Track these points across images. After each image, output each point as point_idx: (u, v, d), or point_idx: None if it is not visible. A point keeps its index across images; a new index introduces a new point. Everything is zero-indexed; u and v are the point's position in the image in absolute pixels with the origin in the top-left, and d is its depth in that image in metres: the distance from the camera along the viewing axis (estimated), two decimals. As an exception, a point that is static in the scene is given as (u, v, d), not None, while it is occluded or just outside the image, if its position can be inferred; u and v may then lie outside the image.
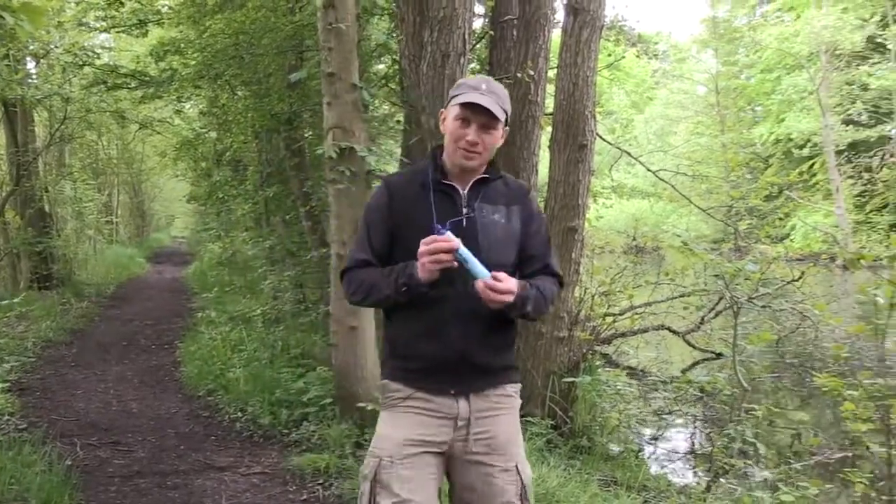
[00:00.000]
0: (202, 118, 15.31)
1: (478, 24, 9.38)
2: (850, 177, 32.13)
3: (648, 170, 13.03)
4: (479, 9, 9.05)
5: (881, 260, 5.27)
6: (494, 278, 2.41)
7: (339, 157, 5.93)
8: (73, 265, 17.59)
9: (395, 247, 2.62)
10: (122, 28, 12.71)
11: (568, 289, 6.74)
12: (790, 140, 35.02)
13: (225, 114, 12.17)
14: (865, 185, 31.61)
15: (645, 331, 10.26)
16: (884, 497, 4.49)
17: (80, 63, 13.56)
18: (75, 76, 14.70)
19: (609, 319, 8.67)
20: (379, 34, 8.83)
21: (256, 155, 12.80)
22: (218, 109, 12.64)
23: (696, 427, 8.00)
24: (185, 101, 14.17)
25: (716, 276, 7.93)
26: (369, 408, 5.80)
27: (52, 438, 6.07)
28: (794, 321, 10.61)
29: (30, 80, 15.71)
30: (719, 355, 10.31)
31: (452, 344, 2.55)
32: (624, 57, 24.92)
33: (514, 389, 2.72)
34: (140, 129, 20.62)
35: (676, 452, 7.30)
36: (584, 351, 6.99)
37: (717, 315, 10.25)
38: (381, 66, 10.67)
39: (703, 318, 10.45)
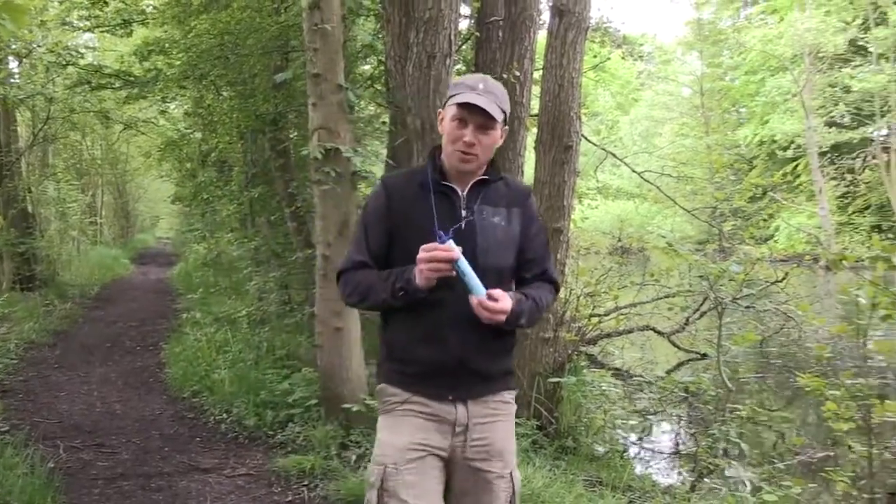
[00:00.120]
0: (187, 119, 15.25)
1: (464, 25, 9.38)
2: (833, 178, 32.38)
3: (633, 171, 13.08)
4: (464, 10, 9.05)
5: (863, 261, 5.29)
6: (490, 297, 2.37)
7: (325, 157, 5.92)
8: (56, 266, 17.46)
9: (392, 248, 2.59)
10: (107, 28, 12.64)
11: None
12: (774, 142, 35.22)
13: (210, 114, 12.13)
14: (848, 186, 31.89)
15: (630, 331, 10.29)
16: (865, 495, 4.52)
17: (64, 63, 13.50)
18: (59, 76, 14.64)
19: (594, 320, 8.69)
20: (365, 35, 8.83)
21: (241, 156, 12.75)
22: (203, 110, 12.59)
23: (680, 427, 8.03)
24: (170, 101, 14.10)
25: (700, 276, 7.97)
26: (354, 409, 5.80)
27: (35, 441, 6.02)
28: (778, 322, 10.68)
29: (12, 80, 15.61)
30: (704, 356, 10.35)
31: (451, 349, 2.51)
32: (609, 58, 25.03)
33: (511, 396, 2.70)
34: (124, 129, 20.55)
35: (661, 453, 7.32)
36: (570, 352, 7.00)
37: (701, 316, 10.29)
38: (367, 67, 10.67)
39: (687, 319, 10.49)
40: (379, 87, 9.88)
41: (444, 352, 2.51)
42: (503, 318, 2.40)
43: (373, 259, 2.60)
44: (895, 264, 3.86)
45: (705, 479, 6.08)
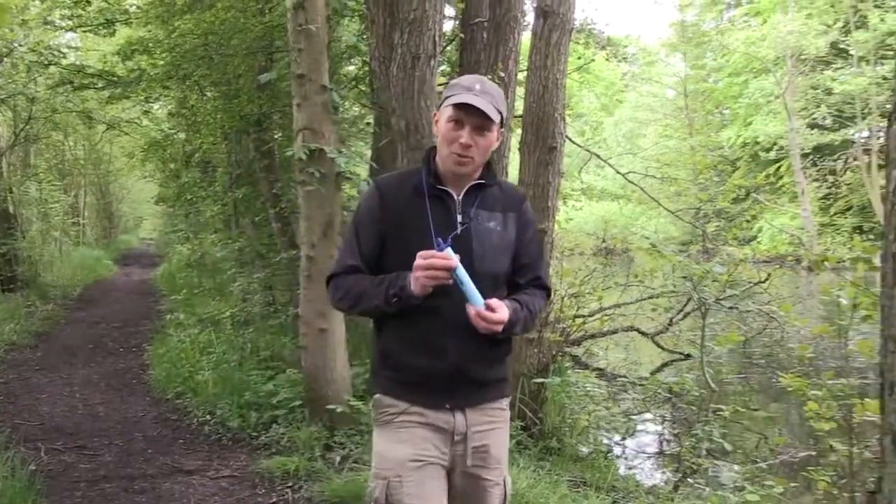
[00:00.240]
0: (171, 119, 15.21)
1: (448, 26, 9.40)
2: (815, 180, 32.58)
3: (618, 172, 13.16)
4: (449, 11, 9.05)
5: (844, 262, 5.33)
6: (488, 307, 2.34)
7: (309, 158, 5.91)
8: (38, 267, 17.36)
9: (385, 253, 2.53)
10: (89, 27, 12.60)
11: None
12: (757, 143, 35.40)
13: (194, 115, 12.10)
14: (830, 188, 32.08)
15: (614, 332, 10.34)
16: (845, 494, 4.55)
17: (46, 62, 13.42)
18: (40, 75, 14.56)
19: (579, 321, 8.72)
20: (349, 36, 8.83)
21: (226, 156, 12.72)
22: (187, 110, 12.56)
23: (664, 428, 8.06)
24: (154, 101, 14.06)
25: (684, 277, 7.98)
26: (339, 410, 5.80)
27: (16, 443, 5.99)
28: (761, 322, 10.76)
29: (-6, 80, 15.51)
30: (687, 356, 10.40)
31: (448, 358, 2.46)
32: (593, 60, 25.09)
33: (506, 402, 2.67)
34: (107, 129, 20.46)
35: (645, 453, 7.34)
36: (554, 352, 7.01)
37: (685, 316, 10.36)
38: (352, 68, 10.66)
39: (671, 320, 10.56)
40: (363, 88, 9.87)
41: (441, 360, 2.46)
42: (500, 328, 2.38)
43: (365, 263, 2.54)
44: (876, 265, 3.88)
45: (689, 479, 6.10)
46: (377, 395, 2.59)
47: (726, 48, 38.72)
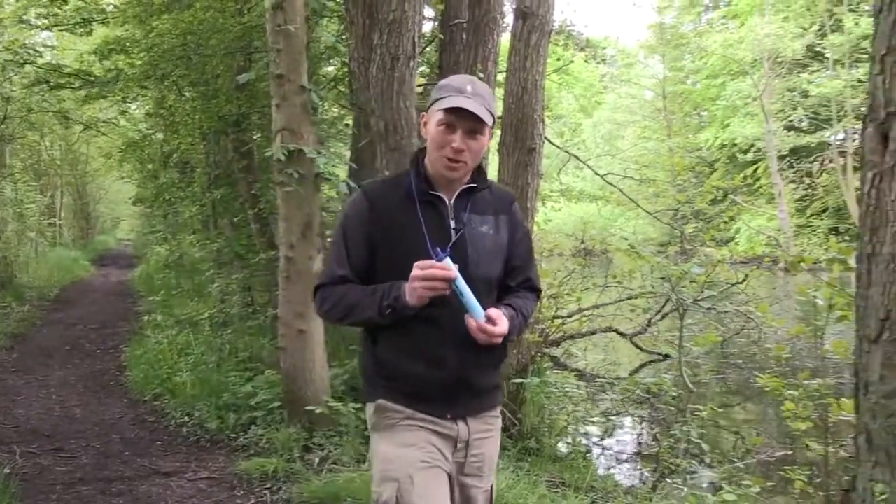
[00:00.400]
0: (148, 119, 15.15)
1: (427, 27, 9.41)
2: (792, 181, 32.85)
3: (596, 173, 13.20)
4: (428, 12, 9.07)
5: (820, 263, 5.38)
6: (489, 319, 2.30)
7: (288, 159, 5.90)
8: (13, 268, 17.21)
9: (376, 262, 2.45)
10: (65, 26, 12.53)
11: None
12: (735, 145, 35.63)
13: (172, 115, 12.05)
14: (806, 189, 32.36)
15: (593, 333, 10.38)
16: (821, 493, 4.59)
17: (21, 61, 13.33)
18: (16, 74, 14.45)
19: (557, 322, 8.74)
20: (328, 36, 8.81)
21: (204, 157, 12.68)
22: (165, 110, 12.51)
23: (642, 428, 8.10)
24: (131, 101, 14.00)
25: (662, 278, 8.03)
26: (318, 411, 5.79)
27: (-8, 445, 5.95)
28: (739, 323, 10.83)
29: (-33, 79, 15.38)
30: (666, 357, 10.46)
31: (449, 368, 2.41)
32: (573, 61, 25.19)
33: (499, 409, 2.65)
34: (84, 129, 20.34)
35: (624, 453, 7.37)
36: (533, 353, 7.03)
37: (663, 317, 10.41)
38: (331, 69, 10.65)
39: (649, 321, 10.61)
40: (342, 89, 9.88)
41: (441, 370, 2.41)
42: (500, 340, 2.35)
43: (354, 274, 2.46)
44: (851, 266, 3.92)
45: (667, 480, 6.13)
46: (380, 401, 2.49)
47: (704, 50, 38.96)
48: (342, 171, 7.63)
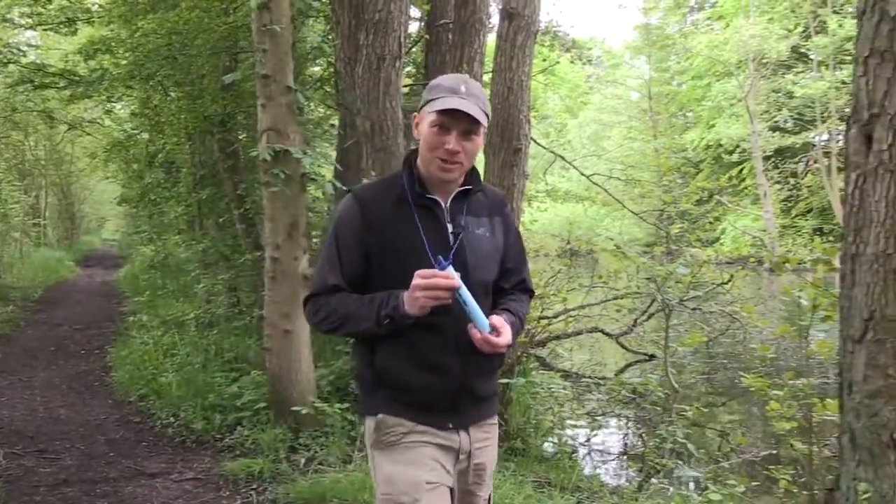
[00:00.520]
0: (134, 119, 15.08)
1: (413, 27, 9.41)
2: (777, 182, 33.03)
3: (582, 174, 13.22)
4: (414, 12, 9.07)
5: (805, 263, 5.41)
6: (493, 328, 2.23)
7: (274, 159, 5.89)
8: (-3, 268, 17.14)
9: (372, 270, 2.36)
10: (50, 25, 12.46)
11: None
12: (720, 146, 35.81)
13: (157, 115, 11.99)
14: (791, 190, 32.55)
15: (579, 333, 10.39)
16: (805, 492, 4.61)
17: (5, 60, 13.25)
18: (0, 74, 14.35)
19: (543, 322, 8.74)
20: (314, 36, 8.81)
21: (189, 157, 12.65)
22: (150, 110, 12.45)
23: (628, 428, 8.12)
24: (116, 101, 13.94)
25: (648, 279, 8.06)
26: (304, 411, 5.78)
27: (-24, 447, 5.91)
28: (724, 323, 10.87)
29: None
30: (651, 357, 10.48)
31: (453, 376, 2.34)
32: (558, 62, 25.20)
33: (496, 416, 2.59)
34: (69, 129, 20.25)
35: (609, 453, 7.39)
36: (519, 354, 7.03)
37: (649, 317, 10.44)
38: (317, 69, 10.64)
39: (635, 321, 10.64)
40: (328, 89, 9.87)
41: (444, 378, 2.34)
42: (504, 350, 2.30)
43: (348, 283, 2.36)
44: (835, 267, 3.95)
45: (653, 480, 6.15)
46: (381, 416, 2.38)
47: (690, 51, 39.14)
48: (328, 172, 7.61)
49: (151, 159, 14.42)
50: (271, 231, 6.08)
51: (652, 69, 44.57)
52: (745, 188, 34.97)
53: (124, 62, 10.91)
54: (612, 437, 7.92)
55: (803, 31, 32.38)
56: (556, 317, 9.85)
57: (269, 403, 6.24)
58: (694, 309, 9.29)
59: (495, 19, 8.24)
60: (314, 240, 7.92)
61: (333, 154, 9.28)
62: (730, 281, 9.87)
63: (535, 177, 19.92)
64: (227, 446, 6.04)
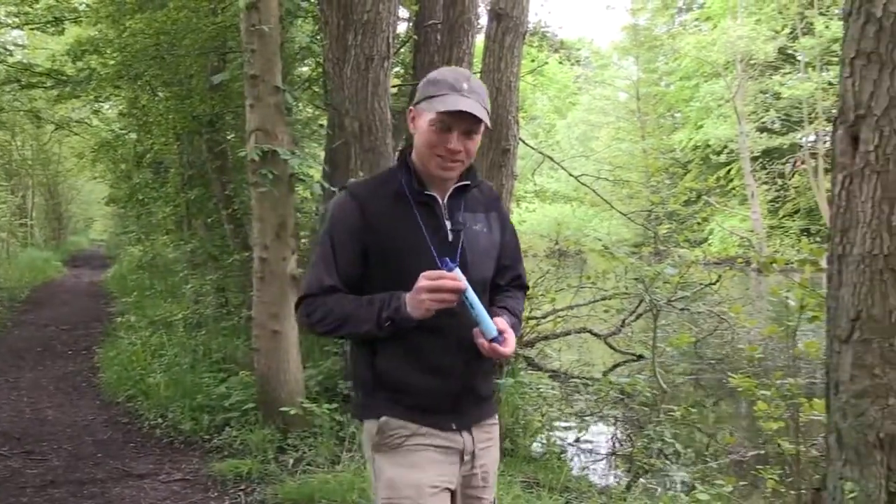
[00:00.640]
0: (122, 119, 15.03)
1: (402, 28, 9.41)
2: (765, 183, 33.15)
3: (570, 174, 13.23)
4: (403, 13, 9.07)
5: (792, 264, 5.44)
6: (500, 333, 2.18)
7: (262, 159, 5.88)
8: (-16, 269, 17.05)
9: (371, 269, 2.28)
10: (37, 25, 12.40)
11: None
12: (708, 146, 35.91)
13: (145, 115, 11.96)
14: (779, 191, 32.67)
15: (567, 334, 10.41)
16: (792, 492, 4.63)
17: (-9, 60, 13.18)
18: (-15, 73, 14.28)
19: (532, 323, 8.76)
20: (302, 37, 8.80)
21: (178, 157, 12.62)
22: (138, 110, 12.41)
23: (617, 428, 8.14)
24: (104, 101, 13.88)
25: (636, 279, 8.09)
26: (292, 412, 5.77)
27: (-38, 448, 5.88)
28: (712, 323, 10.90)
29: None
30: (640, 357, 10.51)
31: (454, 376, 2.29)
32: (547, 63, 25.23)
33: (497, 415, 2.53)
34: (56, 129, 20.16)
35: (598, 453, 7.40)
36: (508, 354, 7.03)
37: (637, 318, 10.46)
38: (305, 69, 10.63)
39: (623, 321, 10.66)
40: (317, 90, 9.86)
41: (448, 380, 2.29)
42: (510, 355, 2.25)
43: (344, 283, 2.28)
44: (822, 267, 3.97)
45: (641, 479, 6.17)
46: (384, 419, 2.30)
47: (678, 52, 39.23)
48: (316, 172, 7.61)
49: (139, 159, 14.38)
50: (259, 231, 6.07)
51: (640, 70, 44.69)
52: (733, 189, 35.10)
53: (112, 62, 10.87)
54: (600, 437, 7.94)
55: (790, 33, 32.52)
56: (544, 317, 9.87)
57: (257, 404, 6.23)
58: (682, 309, 9.33)
59: (484, 20, 8.25)
60: (302, 240, 7.92)
61: (322, 154, 9.27)
62: (717, 281, 9.92)
63: (524, 177, 19.95)
64: (216, 447, 6.03)
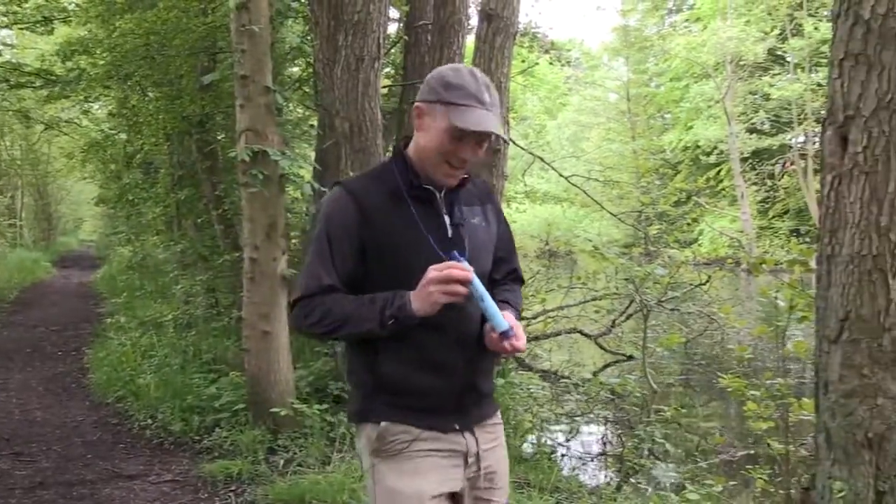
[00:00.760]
0: (111, 119, 14.99)
1: (392, 28, 9.41)
2: (754, 183, 33.25)
3: (561, 175, 13.25)
4: (393, 13, 9.07)
5: (781, 264, 5.46)
6: (511, 328, 2.12)
7: (252, 160, 5.87)
8: (-28, 270, 16.98)
9: (369, 268, 2.21)
10: (26, 24, 12.36)
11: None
12: (698, 147, 35.99)
13: (135, 115, 11.93)
14: (768, 191, 32.77)
15: (557, 334, 10.43)
16: (781, 491, 4.65)
17: (-21, 60, 13.13)
18: (-27, 73, 14.23)
19: (522, 323, 8.74)
20: (293, 37, 8.78)
21: (168, 157, 12.59)
22: (128, 111, 12.39)
23: (607, 429, 8.15)
24: (94, 101, 13.85)
25: (626, 279, 8.10)
26: (283, 413, 5.77)
27: (-50, 449, 5.86)
28: (702, 324, 10.93)
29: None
30: (630, 358, 10.53)
31: (457, 374, 2.23)
32: (537, 63, 25.25)
33: (499, 415, 2.48)
34: (46, 129, 20.10)
35: (588, 454, 7.41)
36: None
37: (627, 318, 10.48)
38: (295, 69, 10.62)
39: (614, 322, 10.68)
40: (307, 90, 9.85)
41: (450, 378, 2.23)
42: (524, 349, 2.21)
43: (342, 282, 2.19)
44: (811, 267, 3.99)
45: (631, 480, 6.18)
46: (384, 424, 2.22)
47: (668, 53, 39.31)
48: (307, 173, 7.60)
49: (129, 160, 14.35)
50: (250, 232, 6.06)
51: (630, 71, 44.76)
52: (723, 189, 35.18)
53: (102, 62, 10.84)
54: (590, 437, 7.95)
55: (780, 34, 32.62)
56: (534, 317, 9.88)
57: (247, 405, 6.22)
58: (672, 310, 9.35)
59: (474, 21, 8.26)
60: (293, 241, 7.91)
61: (312, 155, 9.26)
62: (707, 282, 9.94)
63: (514, 178, 19.95)
64: (206, 448, 6.02)
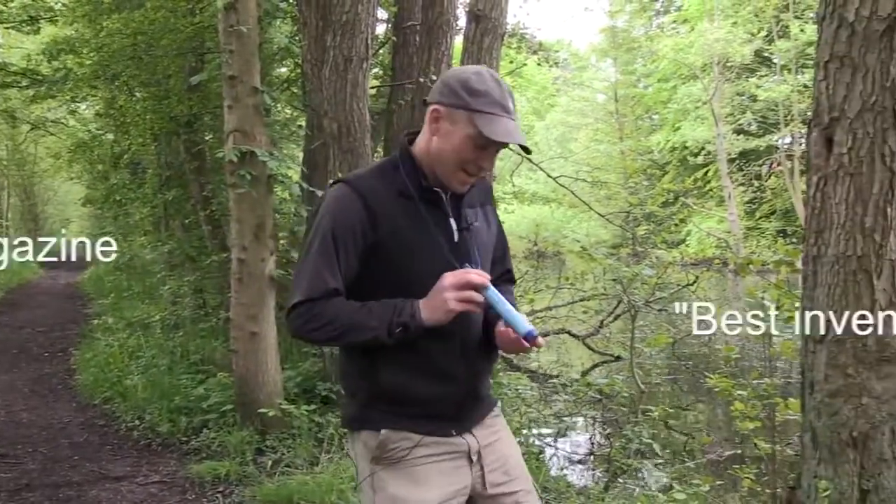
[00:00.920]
0: (98, 119, 14.94)
1: (381, 29, 9.41)
2: (741, 184, 33.38)
3: (549, 176, 13.30)
4: (381, 14, 9.07)
5: (768, 265, 5.48)
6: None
7: (240, 160, 5.86)
8: (-42, 271, 16.87)
9: (372, 271, 2.11)
10: (11, 24, 12.30)
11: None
12: (685, 148, 36.10)
13: (123, 115, 11.88)
14: (755, 192, 32.90)
15: (545, 335, 10.35)
16: (767, 490, 4.67)
17: (-35, 59, 13.06)
18: (-41, 72, 14.15)
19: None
20: (281, 37, 8.77)
21: (155, 158, 12.55)
22: (115, 111, 12.34)
23: (595, 429, 8.16)
24: (81, 101, 13.79)
25: (614, 280, 8.12)
26: (270, 413, 5.76)
27: (-65, 451, 5.83)
28: (689, 324, 10.93)
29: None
30: (618, 358, 10.54)
31: (459, 381, 2.18)
32: (525, 64, 25.27)
33: (498, 408, 2.40)
34: (32, 129, 20.01)
35: (576, 454, 7.42)
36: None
37: (615, 319, 10.50)
38: (284, 70, 10.61)
39: (602, 322, 10.70)
40: (295, 91, 9.85)
41: (452, 385, 2.17)
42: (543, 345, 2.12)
43: (345, 285, 2.10)
44: (798, 268, 4.00)
45: (619, 480, 6.19)
46: (384, 432, 2.15)
47: (655, 54, 39.43)
48: (295, 173, 7.60)
49: (117, 160, 14.30)
50: (238, 233, 6.05)
51: (618, 72, 44.86)
52: (710, 190, 35.31)
53: (89, 62, 10.80)
54: (578, 437, 7.96)
55: (766, 36, 32.76)
56: (523, 318, 9.86)
57: (235, 406, 6.21)
58: (660, 310, 9.36)
59: (462, 21, 8.27)
60: (281, 241, 7.89)
61: (300, 155, 9.25)
62: (695, 282, 9.96)
63: (503, 178, 19.99)
64: (193, 449, 6.01)
